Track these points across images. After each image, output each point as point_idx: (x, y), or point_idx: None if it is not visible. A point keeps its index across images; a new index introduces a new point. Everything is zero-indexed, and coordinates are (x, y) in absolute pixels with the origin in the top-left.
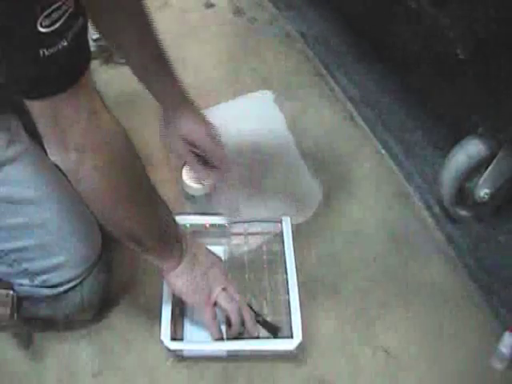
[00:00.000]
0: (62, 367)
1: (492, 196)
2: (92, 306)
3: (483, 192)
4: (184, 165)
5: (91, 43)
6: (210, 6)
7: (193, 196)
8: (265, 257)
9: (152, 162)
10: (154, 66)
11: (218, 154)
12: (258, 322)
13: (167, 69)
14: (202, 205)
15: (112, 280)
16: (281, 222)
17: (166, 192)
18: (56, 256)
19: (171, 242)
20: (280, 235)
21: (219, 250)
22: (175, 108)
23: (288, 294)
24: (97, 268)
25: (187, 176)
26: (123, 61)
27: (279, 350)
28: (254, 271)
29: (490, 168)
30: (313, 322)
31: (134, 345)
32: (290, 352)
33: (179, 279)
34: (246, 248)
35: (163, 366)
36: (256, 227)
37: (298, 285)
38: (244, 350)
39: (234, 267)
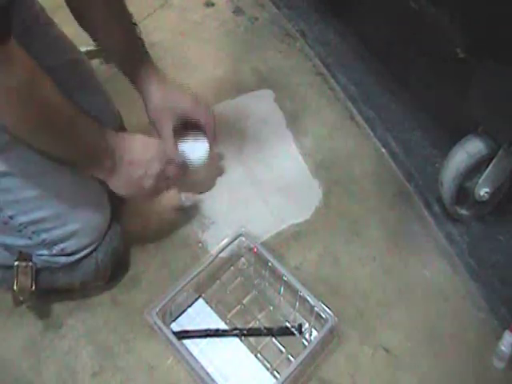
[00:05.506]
0: (62, 366)
1: (492, 195)
2: (106, 271)
3: (483, 191)
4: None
5: (91, 43)
6: (210, 5)
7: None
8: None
9: None
10: (126, 45)
11: (206, 117)
12: (275, 335)
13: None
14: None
15: (123, 246)
16: (239, 236)
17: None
18: (71, 224)
19: (100, 158)
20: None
21: None
22: (152, 83)
23: (287, 289)
24: (108, 235)
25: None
26: None
27: (325, 336)
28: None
29: (489, 167)
30: None
31: (133, 345)
32: (335, 330)
33: (120, 183)
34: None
35: (163, 365)
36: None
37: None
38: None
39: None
